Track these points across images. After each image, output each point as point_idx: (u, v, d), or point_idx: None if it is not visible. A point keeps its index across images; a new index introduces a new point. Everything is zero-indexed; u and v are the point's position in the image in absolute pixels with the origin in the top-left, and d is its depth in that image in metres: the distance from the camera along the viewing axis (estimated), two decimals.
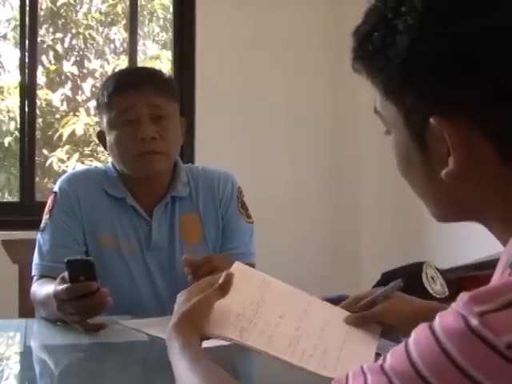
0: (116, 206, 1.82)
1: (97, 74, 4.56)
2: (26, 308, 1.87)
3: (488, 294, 0.59)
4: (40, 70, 3.84)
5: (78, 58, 4.59)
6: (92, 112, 4.40)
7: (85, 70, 4.60)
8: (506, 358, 0.56)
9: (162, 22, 4.55)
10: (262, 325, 1.05)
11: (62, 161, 4.40)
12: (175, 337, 0.96)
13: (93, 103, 4.36)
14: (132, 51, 3.52)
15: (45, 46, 4.38)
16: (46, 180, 4.37)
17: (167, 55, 4.12)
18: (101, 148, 3.72)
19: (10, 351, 1.53)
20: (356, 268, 3.50)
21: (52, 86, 4.48)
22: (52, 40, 4.48)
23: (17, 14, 3.59)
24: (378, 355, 1.03)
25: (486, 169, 0.68)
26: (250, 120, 3.49)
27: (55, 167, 4.34)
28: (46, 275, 1.73)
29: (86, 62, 4.61)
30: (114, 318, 1.60)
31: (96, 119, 3.86)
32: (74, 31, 4.56)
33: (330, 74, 3.60)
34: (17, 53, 3.44)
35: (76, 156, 4.47)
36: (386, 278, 1.85)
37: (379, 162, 3.40)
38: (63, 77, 4.55)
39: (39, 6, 3.47)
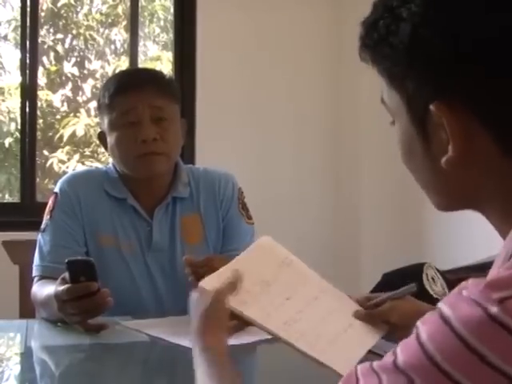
0: (117, 206, 1.82)
1: (97, 75, 4.55)
2: (27, 309, 1.87)
3: (504, 281, 0.59)
4: (40, 70, 3.83)
5: (78, 59, 4.58)
6: (92, 113, 4.39)
7: (85, 71, 4.59)
8: None
9: (162, 22, 4.54)
10: (265, 303, 1.06)
11: (62, 162, 4.40)
12: (196, 340, 0.97)
13: (93, 104, 4.35)
14: (133, 52, 3.53)
15: (45, 46, 4.37)
16: (46, 181, 4.36)
17: (168, 56, 4.11)
18: (101, 149, 3.72)
19: (10, 352, 1.53)
20: (356, 268, 3.50)
21: (52, 86, 4.47)
22: (52, 41, 4.48)
23: (17, 14, 3.59)
24: (377, 355, 1.03)
25: (486, 159, 0.68)
26: (250, 121, 3.50)
27: (56, 168, 4.34)
28: (46, 276, 1.73)
29: (86, 62, 4.60)
30: (115, 319, 1.60)
31: (96, 120, 3.86)
32: (74, 32, 4.56)
33: (330, 74, 3.60)
34: (17, 54, 3.45)
35: (76, 157, 4.46)
36: (386, 280, 1.86)
37: (379, 162, 3.40)
38: (64, 77, 4.55)
39: (40, 6, 3.48)
